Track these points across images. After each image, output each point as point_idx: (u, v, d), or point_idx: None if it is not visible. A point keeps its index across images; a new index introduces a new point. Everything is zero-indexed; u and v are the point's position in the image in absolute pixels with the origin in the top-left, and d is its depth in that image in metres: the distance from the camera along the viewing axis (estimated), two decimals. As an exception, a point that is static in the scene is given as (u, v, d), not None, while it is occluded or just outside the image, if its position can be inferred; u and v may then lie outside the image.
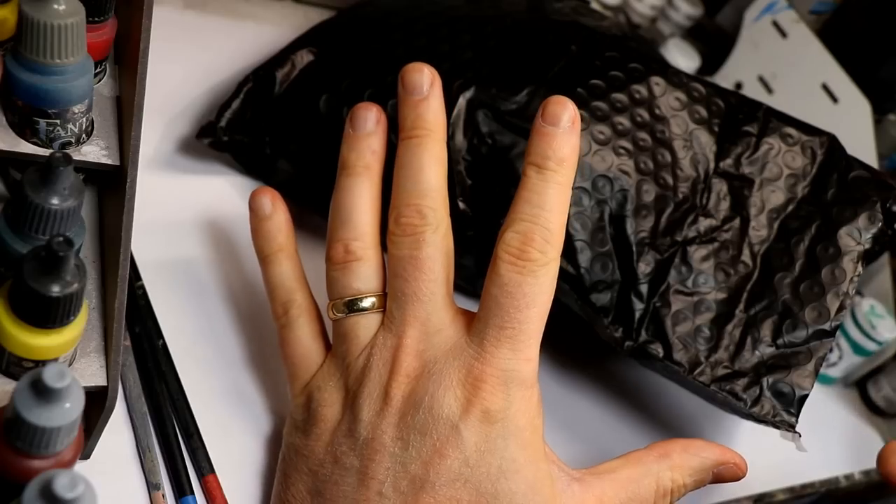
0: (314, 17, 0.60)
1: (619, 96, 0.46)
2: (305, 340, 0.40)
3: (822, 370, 0.60)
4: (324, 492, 0.36)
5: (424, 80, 0.40)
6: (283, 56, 0.49)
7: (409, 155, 0.39)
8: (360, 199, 0.39)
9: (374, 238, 0.39)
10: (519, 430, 0.36)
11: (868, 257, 0.46)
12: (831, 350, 0.45)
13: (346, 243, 0.39)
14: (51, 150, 0.33)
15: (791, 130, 0.48)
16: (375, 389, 0.36)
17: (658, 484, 0.38)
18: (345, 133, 0.41)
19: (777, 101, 0.58)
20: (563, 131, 0.38)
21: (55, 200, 0.30)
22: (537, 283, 0.36)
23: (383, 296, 0.38)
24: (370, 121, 0.41)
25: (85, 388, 0.31)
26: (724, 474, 0.40)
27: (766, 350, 0.44)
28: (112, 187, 0.36)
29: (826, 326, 0.44)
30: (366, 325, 0.38)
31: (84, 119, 0.34)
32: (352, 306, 0.38)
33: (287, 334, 0.40)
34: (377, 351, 0.37)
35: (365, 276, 0.38)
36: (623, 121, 0.46)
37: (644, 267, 0.44)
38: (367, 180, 0.40)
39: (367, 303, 0.38)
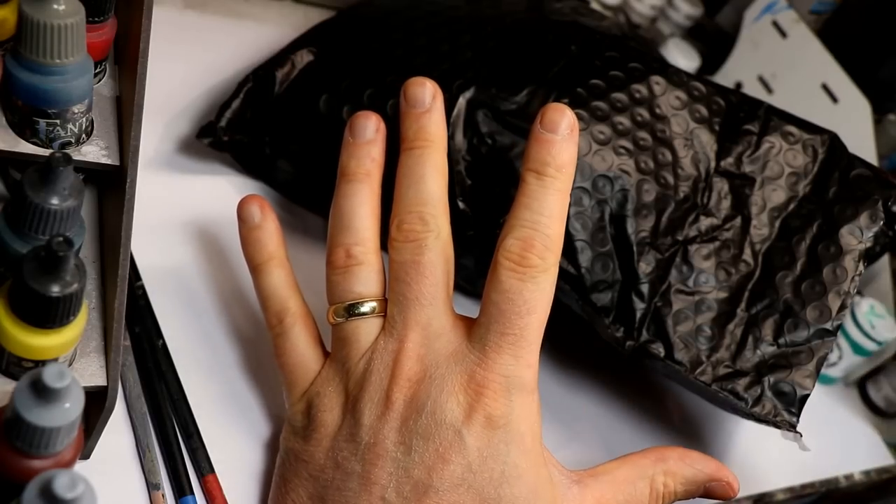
0: (314, 17, 0.60)
1: (619, 96, 0.46)
2: (302, 348, 0.39)
3: (823, 370, 0.60)
4: (325, 497, 0.36)
5: (427, 94, 0.40)
6: (283, 56, 0.49)
7: (411, 164, 0.40)
8: (360, 204, 0.39)
9: (375, 243, 0.39)
10: (520, 436, 0.36)
11: (869, 257, 0.46)
12: (831, 350, 0.45)
13: (347, 248, 0.39)
14: (51, 150, 0.33)
15: (792, 129, 0.48)
16: (376, 393, 0.36)
17: (652, 487, 0.39)
18: (344, 141, 0.41)
19: (777, 101, 0.58)
20: (561, 138, 0.38)
21: (55, 200, 0.30)
22: (538, 289, 0.36)
23: (384, 301, 0.38)
24: (370, 129, 0.41)
25: (85, 388, 0.31)
26: (716, 490, 0.40)
27: (767, 349, 0.44)
28: (112, 187, 0.36)
29: (827, 325, 0.44)
30: (366, 330, 0.38)
31: (84, 119, 0.34)
32: (352, 310, 0.38)
33: (283, 343, 0.40)
34: (378, 355, 0.37)
35: (366, 281, 0.38)
36: (623, 120, 0.46)
37: (645, 266, 0.44)
38: (368, 187, 0.40)
39: (367, 307, 0.38)
